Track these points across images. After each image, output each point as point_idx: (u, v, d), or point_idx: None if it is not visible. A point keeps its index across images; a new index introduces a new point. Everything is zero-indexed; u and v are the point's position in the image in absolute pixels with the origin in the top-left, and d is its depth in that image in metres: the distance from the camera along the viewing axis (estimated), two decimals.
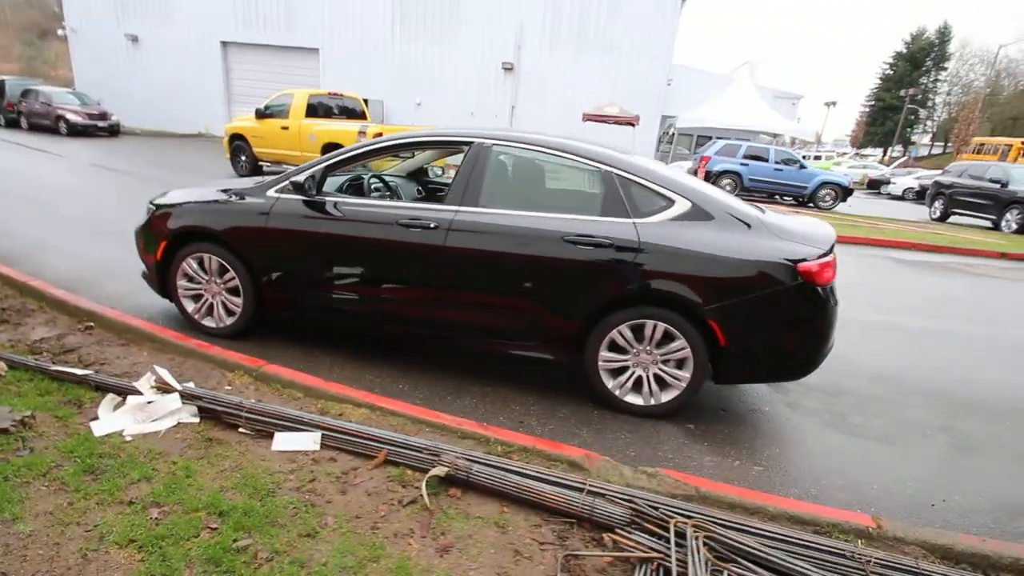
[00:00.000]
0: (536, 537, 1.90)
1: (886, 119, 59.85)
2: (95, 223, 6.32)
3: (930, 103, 60.13)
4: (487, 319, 2.97)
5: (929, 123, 60.01)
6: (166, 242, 3.35)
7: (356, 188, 3.66)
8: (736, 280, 2.66)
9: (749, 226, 2.75)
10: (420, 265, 2.96)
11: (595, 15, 17.48)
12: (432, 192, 4.47)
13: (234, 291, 3.34)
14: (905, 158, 41.13)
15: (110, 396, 2.53)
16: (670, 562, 1.74)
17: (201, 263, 3.35)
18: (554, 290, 2.84)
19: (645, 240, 2.71)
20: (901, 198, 23.83)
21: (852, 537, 2.03)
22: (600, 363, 2.89)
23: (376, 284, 3.07)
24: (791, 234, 2.76)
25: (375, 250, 3.02)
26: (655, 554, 1.79)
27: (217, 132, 20.21)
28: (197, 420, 2.44)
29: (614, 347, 2.87)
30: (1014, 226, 11.62)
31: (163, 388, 2.57)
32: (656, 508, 1.97)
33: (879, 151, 58.80)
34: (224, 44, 19.77)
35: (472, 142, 3.01)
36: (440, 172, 5.01)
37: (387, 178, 4.00)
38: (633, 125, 15.49)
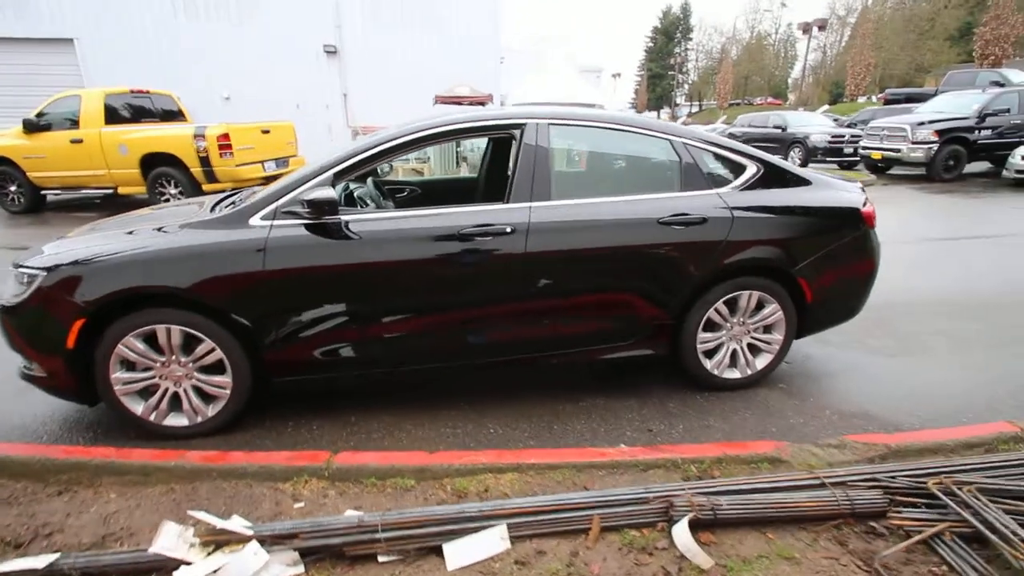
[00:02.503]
0: (825, 554, 1.68)
1: (655, 86, 70.19)
2: None
3: (684, 69, 72.07)
4: (579, 326, 2.58)
5: (686, 86, 72.00)
6: (84, 320, 2.20)
7: (346, 199, 2.85)
8: (817, 234, 2.70)
9: (810, 182, 2.79)
10: (497, 279, 2.42)
11: None
12: (392, 194, 3.75)
13: (214, 368, 2.36)
14: (685, 117, 48.58)
15: None
16: (969, 524, 1.68)
17: (151, 339, 2.29)
18: (652, 278, 2.56)
19: (735, 210, 2.58)
20: None
21: (1013, 445, 2.23)
22: (698, 345, 2.73)
23: (441, 312, 2.43)
24: (838, 185, 2.88)
25: (435, 271, 2.37)
26: (945, 524, 1.71)
27: None
28: (302, 569, 1.64)
29: (709, 326, 2.72)
30: (798, 161, 14.48)
31: (218, 541, 1.67)
32: (894, 478, 1.90)
33: (653, 114, 68.64)
34: None
35: (525, 123, 2.51)
36: (388, 169, 4.23)
37: (376, 184, 3.20)
38: (484, 105, 15.39)
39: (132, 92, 8.73)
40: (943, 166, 11.17)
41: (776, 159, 2.83)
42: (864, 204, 2.81)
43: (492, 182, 3.76)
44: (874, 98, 37.98)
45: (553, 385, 2.91)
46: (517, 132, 2.51)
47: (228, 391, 2.40)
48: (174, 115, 9.41)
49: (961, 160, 11.23)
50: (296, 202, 2.27)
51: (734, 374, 2.84)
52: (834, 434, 2.41)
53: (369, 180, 3.11)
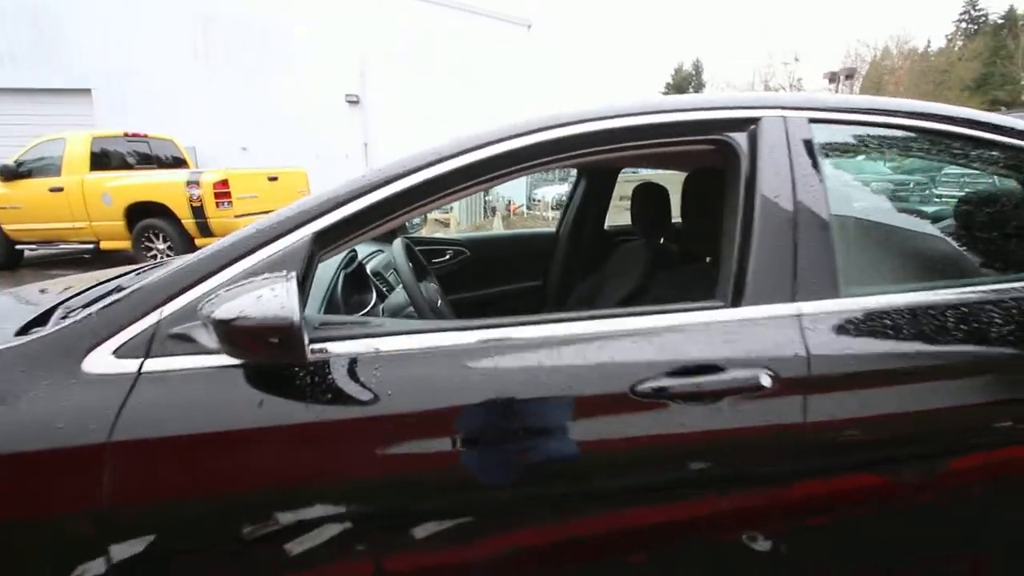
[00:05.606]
0: None
1: None
2: None
3: None
4: None
5: None
6: None
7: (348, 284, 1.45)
8: None
9: None
10: (736, 501, 0.95)
11: (443, 39, 16.26)
12: (428, 260, 2.34)
13: None
14: None
15: None
16: None
17: None
18: None
19: None
20: None
21: None
22: None
23: None
24: None
25: (572, 491, 0.92)
26: None
27: None
28: None
29: None
30: None
31: None
32: None
33: None
34: None
35: (759, 118, 1.10)
36: (417, 224, 2.86)
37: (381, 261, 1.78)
38: None
39: (127, 136, 7.79)
40: None
41: None
42: None
43: (584, 240, 2.37)
44: None
45: None
46: (742, 140, 1.10)
47: None
48: (175, 162, 8.43)
49: None
50: (197, 319, 0.86)
51: None
52: None
53: (397, 242, 1.69)
